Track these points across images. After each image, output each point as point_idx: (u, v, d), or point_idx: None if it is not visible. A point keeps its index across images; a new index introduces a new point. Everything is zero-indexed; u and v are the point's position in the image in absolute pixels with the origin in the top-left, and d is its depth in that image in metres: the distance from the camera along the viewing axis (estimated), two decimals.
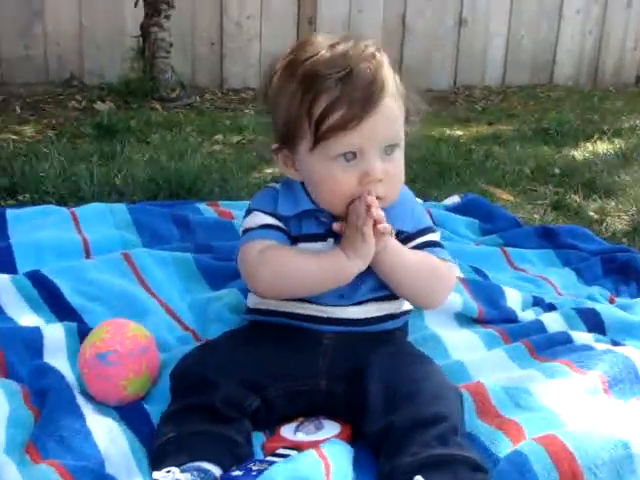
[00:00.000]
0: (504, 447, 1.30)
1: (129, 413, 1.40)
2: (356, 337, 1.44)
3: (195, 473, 1.18)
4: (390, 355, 1.39)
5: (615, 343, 1.67)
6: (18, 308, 1.68)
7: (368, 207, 1.33)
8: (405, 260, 1.41)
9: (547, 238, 2.26)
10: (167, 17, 3.90)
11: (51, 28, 4.26)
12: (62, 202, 2.28)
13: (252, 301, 1.51)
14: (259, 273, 1.39)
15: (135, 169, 2.61)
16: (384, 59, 1.36)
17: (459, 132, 3.86)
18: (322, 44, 1.37)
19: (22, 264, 1.87)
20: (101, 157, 2.84)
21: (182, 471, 1.19)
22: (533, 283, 2.07)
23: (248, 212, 1.45)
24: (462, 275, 1.98)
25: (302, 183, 1.43)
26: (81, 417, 1.35)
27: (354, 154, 1.34)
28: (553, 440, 1.25)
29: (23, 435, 1.32)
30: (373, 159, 1.34)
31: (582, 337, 1.70)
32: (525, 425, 1.37)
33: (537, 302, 1.89)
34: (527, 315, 1.84)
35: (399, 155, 1.40)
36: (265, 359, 1.38)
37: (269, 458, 1.27)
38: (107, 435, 1.33)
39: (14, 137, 3.29)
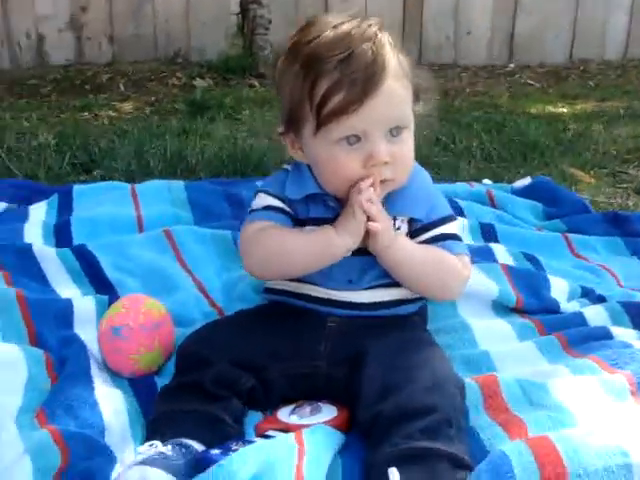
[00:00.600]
0: (500, 445, 1.25)
1: (140, 386, 1.45)
2: (362, 322, 1.42)
3: (177, 448, 1.21)
4: (392, 342, 1.36)
5: None
6: (60, 279, 1.77)
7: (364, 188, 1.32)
8: (411, 257, 1.39)
9: (615, 224, 2.12)
10: None
11: (160, 7, 4.40)
12: (131, 179, 2.36)
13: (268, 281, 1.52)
14: (252, 251, 1.40)
15: (208, 146, 2.66)
16: (386, 39, 1.33)
17: (562, 109, 3.68)
18: (326, 25, 1.35)
19: (77, 238, 1.96)
20: (183, 133, 2.92)
21: (164, 445, 1.22)
22: (592, 272, 1.95)
23: (255, 193, 1.46)
24: (510, 261, 1.90)
25: (309, 166, 1.42)
26: (91, 387, 1.40)
27: (358, 137, 1.32)
28: (544, 442, 1.19)
29: (38, 400, 1.39)
30: (377, 141, 1.32)
31: (623, 333, 1.60)
32: (530, 423, 1.31)
33: (586, 293, 1.79)
34: (571, 306, 1.74)
35: (407, 136, 1.37)
36: (266, 339, 1.39)
37: (255, 439, 1.28)
38: (112, 406, 1.37)
39: (113, 114, 3.44)
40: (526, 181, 2.37)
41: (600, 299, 1.76)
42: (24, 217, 2.07)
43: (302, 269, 1.40)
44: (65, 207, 2.13)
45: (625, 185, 2.56)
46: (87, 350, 1.50)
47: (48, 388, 1.43)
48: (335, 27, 1.34)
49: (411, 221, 1.43)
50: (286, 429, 1.29)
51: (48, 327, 1.58)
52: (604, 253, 2.06)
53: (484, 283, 1.73)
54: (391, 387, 1.26)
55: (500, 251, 1.94)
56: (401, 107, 1.34)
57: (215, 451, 1.22)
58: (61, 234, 1.97)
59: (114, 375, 1.49)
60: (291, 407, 1.37)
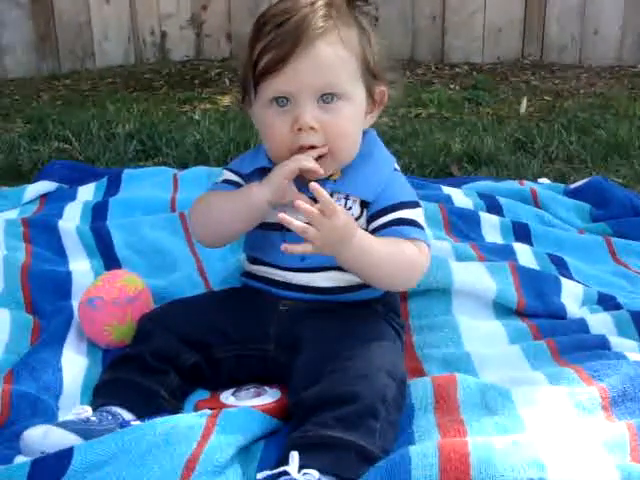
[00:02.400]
0: (426, 445, 1.18)
1: (109, 357, 1.49)
2: (314, 306, 1.39)
3: (104, 415, 1.25)
4: (333, 328, 1.32)
5: None
6: (77, 254, 1.87)
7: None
8: (368, 256, 1.32)
9: None
10: None
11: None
12: (183, 165, 2.44)
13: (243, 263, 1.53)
14: (192, 216, 1.45)
15: None
16: (327, 10, 1.32)
17: None
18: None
19: (111, 217, 2.05)
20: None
21: (94, 411, 1.26)
22: (628, 279, 1.80)
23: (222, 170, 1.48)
24: (532, 262, 1.79)
25: None
26: (60, 353, 1.47)
27: (287, 99, 1.32)
28: (458, 446, 1.11)
29: (13, 363, 1.47)
30: (303, 104, 1.31)
31: (622, 344, 1.47)
32: (472, 428, 1.23)
33: (601, 300, 1.65)
34: (581, 312, 1.62)
35: (343, 106, 1.34)
36: (219, 319, 1.40)
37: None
38: (73, 372, 1.44)
39: (210, 106, 3.55)
40: (583, 181, 2.22)
41: (616, 307, 1.62)
42: (71, 197, 2.19)
43: (230, 224, 1.39)
44: (112, 189, 2.24)
45: None
46: (72, 319, 1.57)
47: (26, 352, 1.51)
48: (292, 1, 1.34)
49: (365, 205, 1.37)
50: (220, 409, 1.29)
51: (45, 296, 1.67)
52: None
53: (484, 282, 1.64)
54: (319, 375, 1.23)
55: (522, 251, 1.83)
56: (333, 73, 1.32)
57: (136, 422, 1.24)
58: (98, 214, 2.07)
59: (91, 345, 1.54)
60: (234, 389, 1.36)
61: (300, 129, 1.31)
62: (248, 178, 1.42)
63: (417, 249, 1.35)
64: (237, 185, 1.43)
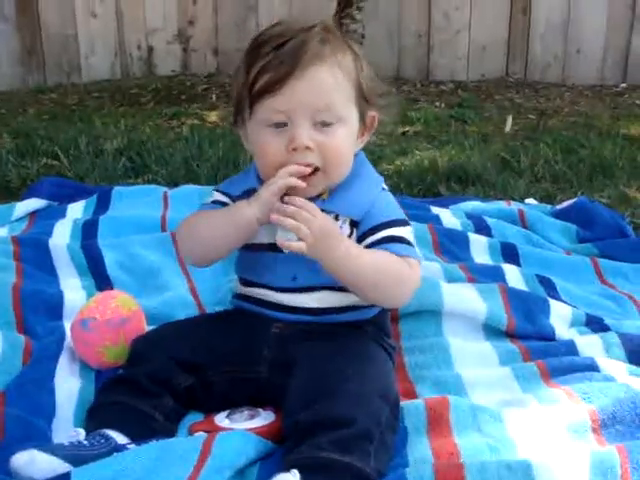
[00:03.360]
0: (422, 468, 1.19)
1: (102, 378, 1.49)
2: (306, 328, 1.40)
3: (97, 437, 1.25)
4: (326, 350, 1.34)
5: None
6: (67, 272, 1.87)
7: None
8: (355, 263, 1.33)
9: None
10: (359, 9, 3.94)
11: (264, 21, 4.51)
12: (174, 183, 2.44)
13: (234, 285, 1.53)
14: (180, 234, 1.47)
15: None
16: (324, 35, 1.35)
17: None
18: (284, 22, 1.39)
19: (102, 236, 2.04)
20: None
21: (87, 435, 1.25)
22: (615, 301, 1.83)
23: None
24: (521, 283, 1.81)
25: None
26: (52, 375, 1.47)
27: (284, 123, 1.34)
28: (453, 471, 1.12)
29: (5, 383, 1.47)
30: (299, 125, 1.33)
31: (610, 366, 1.48)
32: (465, 450, 1.25)
33: (589, 322, 1.67)
34: (569, 334, 1.64)
35: (338, 128, 1.36)
36: (212, 342, 1.40)
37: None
38: (66, 394, 1.44)
39: (197, 122, 3.56)
40: (569, 202, 2.25)
41: (604, 329, 1.65)
42: (61, 214, 2.19)
43: (219, 242, 1.40)
44: (101, 207, 2.24)
45: None
46: (64, 340, 1.57)
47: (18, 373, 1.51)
48: (286, 23, 1.38)
49: (354, 225, 1.39)
50: (215, 432, 1.29)
51: (36, 316, 1.66)
52: (636, 281, 1.91)
53: (473, 303, 1.66)
54: (314, 396, 1.24)
55: (511, 272, 1.85)
56: (329, 96, 1.34)
57: (131, 445, 1.24)
58: (88, 232, 2.06)
59: (84, 366, 1.54)
60: (227, 411, 1.37)
61: (295, 149, 1.33)
62: (238, 199, 1.42)
63: (407, 265, 1.36)
64: (226, 206, 1.44)
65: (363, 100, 1.39)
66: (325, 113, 1.34)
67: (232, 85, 1.44)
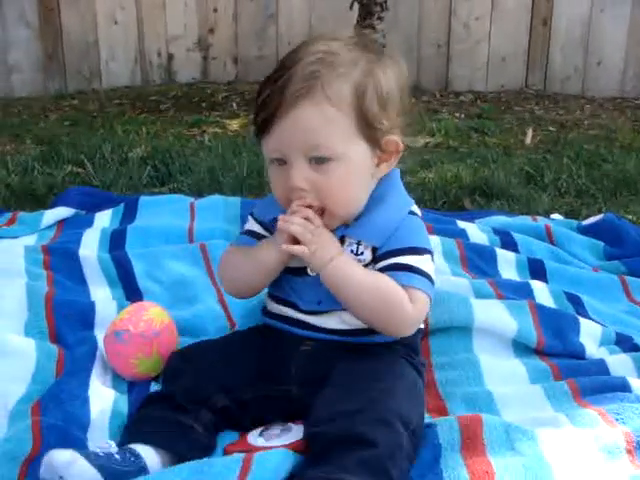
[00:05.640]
0: None
1: (136, 389, 1.50)
2: (335, 345, 1.40)
3: (127, 454, 1.25)
4: (355, 369, 1.34)
5: None
6: (97, 282, 1.88)
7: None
8: (350, 279, 1.33)
9: None
10: (380, 19, 3.96)
11: (283, 29, 4.53)
12: (199, 193, 2.45)
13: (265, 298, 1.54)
14: (220, 272, 1.49)
15: None
16: (318, 65, 1.29)
17: None
18: (309, 43, 1.35)
19: (130, 245, 2.06)
20: None
21: (118, 449, 1.26)
22: None
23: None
24: (549, 300, 1.81)
25: None
26: (86, 385, 1.48)
27: (284, 160, 1.33)
28: None
29: (40, 392, 1.48)
30: (293, 166, 1.32)
31: None
32: (500, 470, 1.25)
33: (619, 340, 1.67)
34: (599, 353, 1.64)
35: (336, 167, 1.32)
36: (243, 362, 1.41)
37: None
38: (101, 405, 1.44)
39: (219, 131, 3.57)
40: (596, 218, 2.24)
41: (634, 348, 1.64)
42: (88, 223, 2.21)
43: (252, 281, 1.43)
44: (128, 216, 2.25)
45: None
46: (97, 351, 1.58)
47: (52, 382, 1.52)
48: (305, 45, 1.34)
49: (376, 251, 1.38)
50: (251, 452, 1.30)
51: (69, 326, 1.67)
52: None
53: (504, 321, 1.66)
54: (339, 412, 1.24)
55: (540, 289, 1.85)
56: (318, 135, 1.29)
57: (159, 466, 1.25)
58: (116, 241, 2.08)
59: (117, 377, 1.55)
60: (260, 429, 1.37)
61: (289, 187, 1.33)
62: (271, 225, 1.43)
63: (407, 295, 1.33)
64: (258, 236, 1.45)
65: (371, 128, 1.32)
66: (316, 154, 1.30)
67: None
